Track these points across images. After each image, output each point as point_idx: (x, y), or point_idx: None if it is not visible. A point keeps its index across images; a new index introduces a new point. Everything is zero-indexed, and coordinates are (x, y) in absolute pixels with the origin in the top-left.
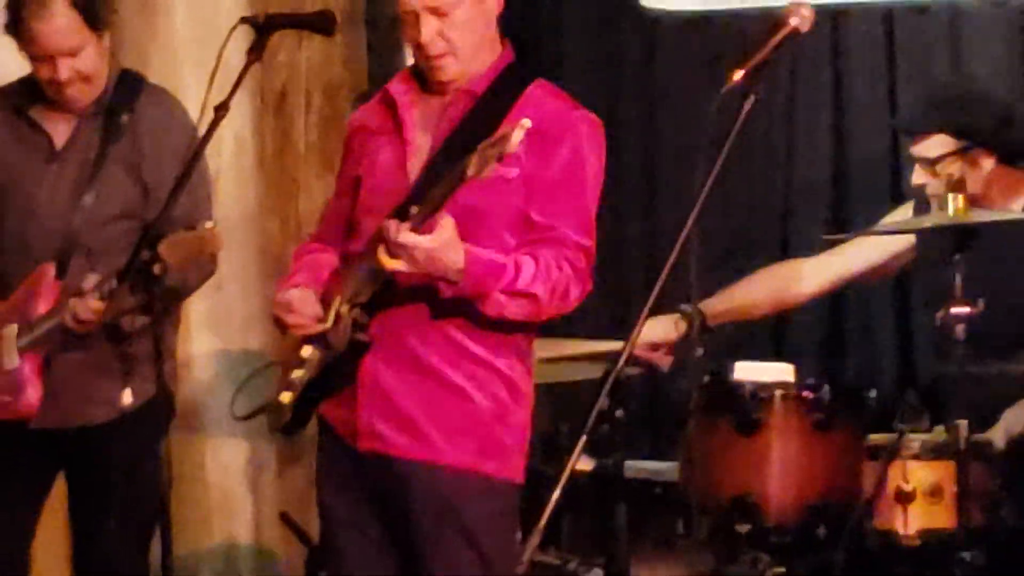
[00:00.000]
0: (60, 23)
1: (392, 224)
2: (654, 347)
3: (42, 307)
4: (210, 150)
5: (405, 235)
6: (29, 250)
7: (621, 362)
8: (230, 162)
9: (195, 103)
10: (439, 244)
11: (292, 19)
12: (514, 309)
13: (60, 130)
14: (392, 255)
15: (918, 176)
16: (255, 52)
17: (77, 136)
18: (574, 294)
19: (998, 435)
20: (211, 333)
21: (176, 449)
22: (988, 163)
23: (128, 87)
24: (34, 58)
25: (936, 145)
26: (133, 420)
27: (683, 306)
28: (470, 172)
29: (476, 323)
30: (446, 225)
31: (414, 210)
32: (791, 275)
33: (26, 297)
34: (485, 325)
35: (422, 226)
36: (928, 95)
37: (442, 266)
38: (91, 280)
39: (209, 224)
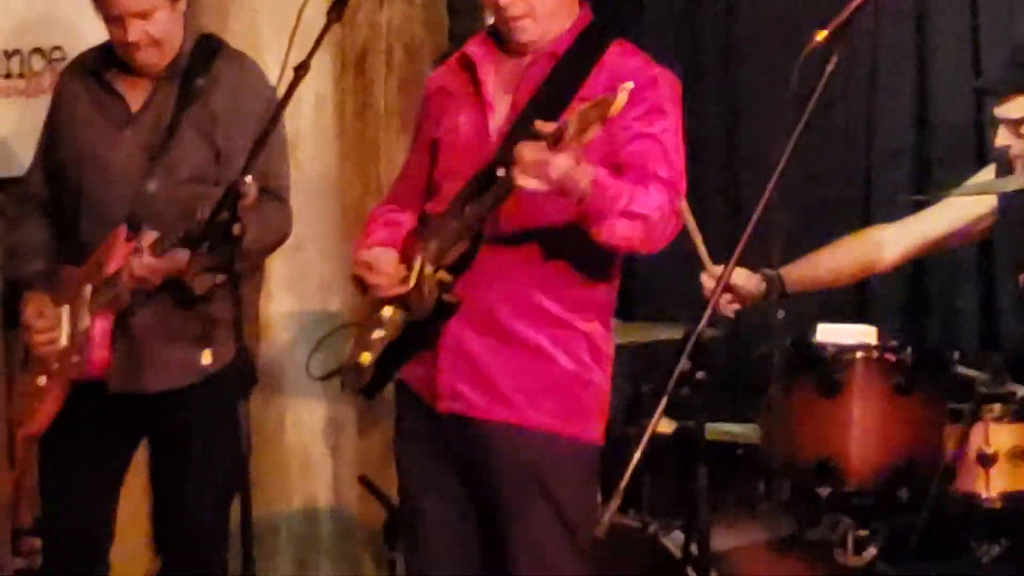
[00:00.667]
0: None
1: (531, 146)
2: (727, 288)
3: (113, 267)
4: (290, 110)
5: (546, 153)
6: (106, 214)
7: (702, 323)
8: (310, 122)
9: (275, 63)
10: (574, 161)
11: None
12: (624, 233)
13: (136, 94)
14: (529, 170)
15: (1002, 138)
16: (336, 11)
17: (152, 100)
18: (671, 226)
19: None
20: (290, 294)
21: (255, 411)
22: None
23: (205, 51)
24: (107, 19)
25: (1020, 106)
26: (214, 383)
27: (766, 270)
28: (569, 133)
29: (559, 282)
30: (575, 149)
31: (501, 172)
32: (874, 243)
33: (101, 259)
34: (568, 283)
35: (558, 148)
36: (1012, 56)
37: (575, 183)
38: (148, 237)
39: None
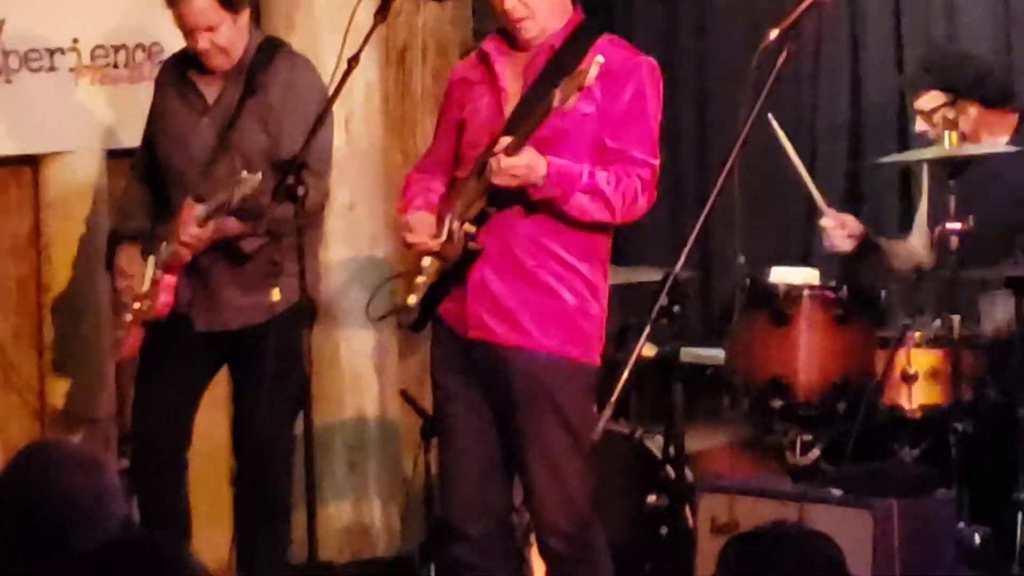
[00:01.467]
0: (198, 5)
1: (495, 157)
2: (842, 224)
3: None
4: (344, 95)
5: (505, 160)
6: (186, 185)
7: (678, 265)
8: (360, 105)
9: (332, 57)
10: (526, 161)
11: None
12: (591, 209)
13: (211, 89)
14: (497, 175)
15: (919, 125)
16: (381, 14)
17: (223, 94)
18: (642, 201)
19: (987, 320)
20: (345, 245)
21: (316, 340)
22: (973, 110)
23: (267, 51)
24: (183, 31)
25: (930, 99)
26: (282, 320)
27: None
28: (555, 103)
29: (564, 233)
30: (528, 149)
31: (507, 140)
32: (912, 248)
33: (177, 222)
34: (572, 234)
35: (517, 151)
36: (922, 59)
37: (532, 176)
38: (198, 210)
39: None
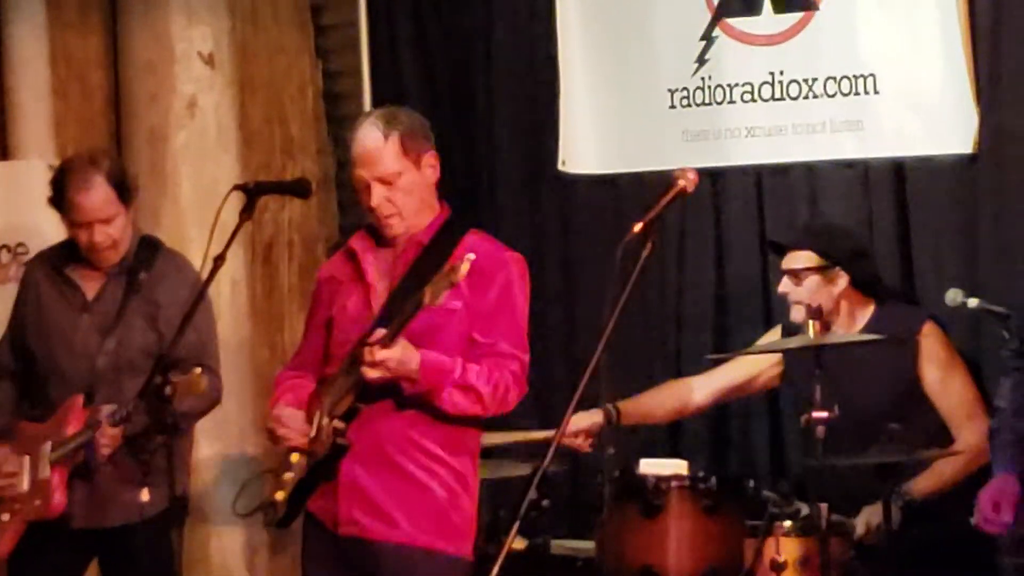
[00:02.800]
0: (99, 195)
1: (369, 349)
2: (576, 434)
3: (71, 429)
4: (212, 290)
5: (380, 352)
6: (67, 381)
7: (547, 461)
8: (228, 301)
9: (198, 254)
10: (400, 354)
11: (276, 185)
12: (463, 403)
13: (91, 286)
14: (371, 367)
15: (784, 286)
16: (247, 212)
17: (104, 291)
18: (513, 394)
19: (860, 522)
20: (214, 440)
21: (188, 536)
22: (842, 282)
23: (147, 250)
24: (74, 224)
25: (803, 259)
26: (154, 519)
27: (606, 405)
28: (426, 300)
29: (434, 427)
30: (402, 342)
31: (381, 332)
32: (687, 388)
33: (60, 420)
34: (441, 428)
35: (391, 344)
36: (805, 224)
37: (405, 369)
38: (106, 411)
39: (197, 370)
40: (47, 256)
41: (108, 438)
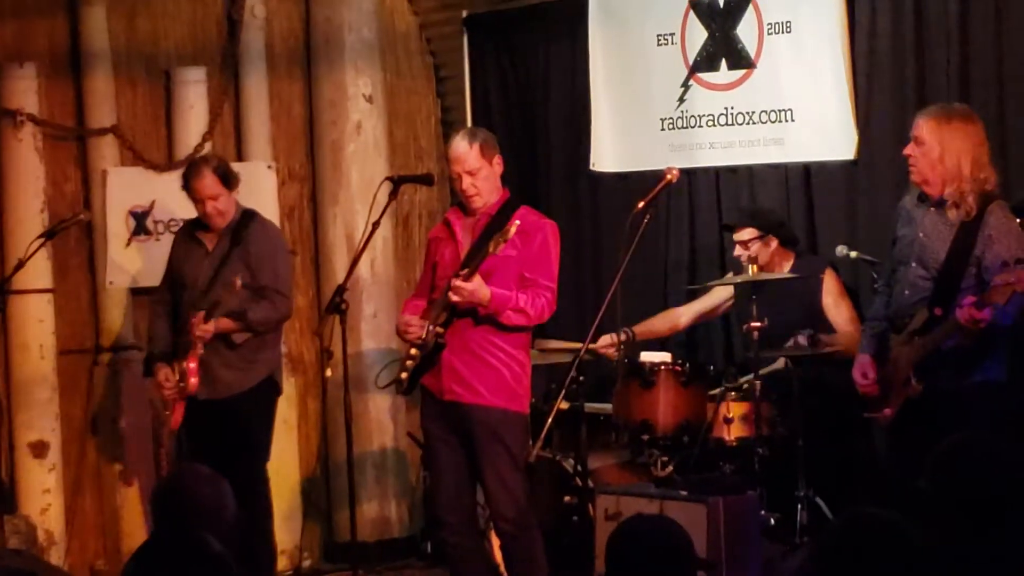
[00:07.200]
0: (207, 181)
1: (454, 281)
2: (609, 346)
3: (194, 335)
4: (371, 245)
5: (461, 284)
6: (195, 306)
7: (582, 350)
8: (380, 252)
9: (362, 223)
10: (475, 287)
11: (412, 177)
12: (517, 319)
13: (210, 241)
14: (455, 293)
15: (736, 251)
16: (393, 195)
17: (218, 245)
18: (547, 313)
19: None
20: (372, 339)
21: (354, 399)
22: (774, 243)
23: (246, 218)
24: (194, 201)
25: (747, 233)
26: (254, 393)
27: (625, 328)
28: (491, 250)
29: (500, 333)
30: (477, 278)
31: (464, 271)
32: (675, 315)
33: (189, 329)
34: (505, 333)
35: (470, 279)
36: (743, 208)
37: (477, 296)
38: (202, 316)
39: (237, 280)
40: (186, 224)
41: (203, 331)
